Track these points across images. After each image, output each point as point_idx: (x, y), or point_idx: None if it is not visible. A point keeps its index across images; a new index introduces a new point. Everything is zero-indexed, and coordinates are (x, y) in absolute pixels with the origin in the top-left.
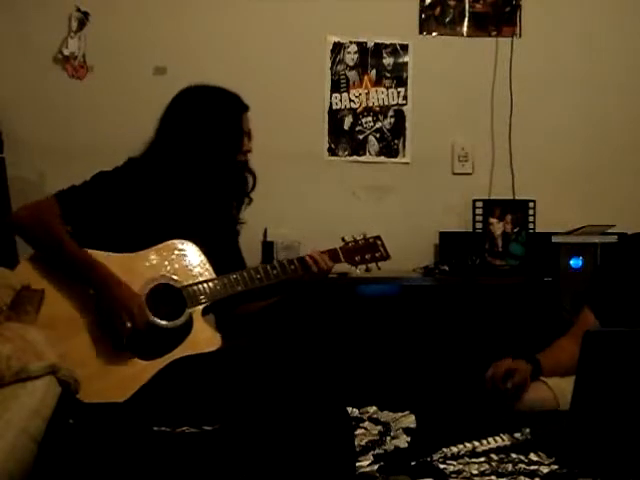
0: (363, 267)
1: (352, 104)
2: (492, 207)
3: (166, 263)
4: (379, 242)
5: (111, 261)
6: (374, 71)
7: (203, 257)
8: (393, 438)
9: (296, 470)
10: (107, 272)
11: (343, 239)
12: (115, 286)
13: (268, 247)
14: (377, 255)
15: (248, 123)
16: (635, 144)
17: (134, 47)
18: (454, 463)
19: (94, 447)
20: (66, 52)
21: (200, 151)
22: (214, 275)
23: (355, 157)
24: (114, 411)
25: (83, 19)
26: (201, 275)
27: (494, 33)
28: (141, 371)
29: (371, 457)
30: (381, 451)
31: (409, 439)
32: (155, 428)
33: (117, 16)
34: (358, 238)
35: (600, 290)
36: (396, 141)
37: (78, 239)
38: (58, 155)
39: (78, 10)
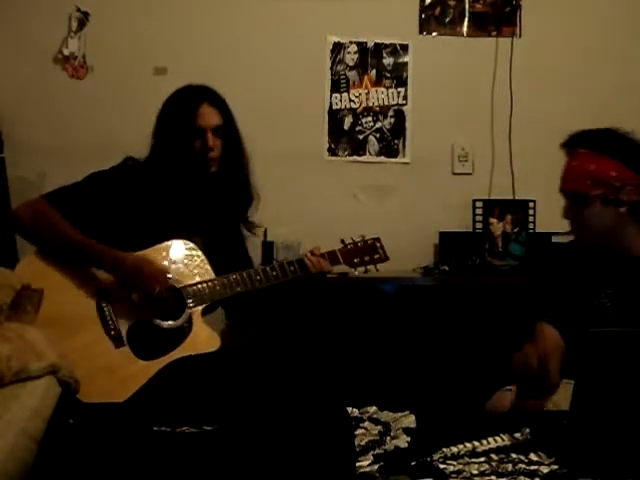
0: (362, 269)
1: (352, 104)
2: (492, 207)
3: (165, 263)
4: (378, 244)
5: None
6: (374, 71)
7: (203, 257)
8: (393, 438)
9: (296, 470)
10: (114, 250)
11: (342, 241)
12: (127, 258)
13: (268, 247)
14: (376, 257)
15: (211, 117)
16: None
17: (134, 47)
18: (454, 463)
19: (94, 447)
20: (66, 52)
21: (164, 150)
22: (214, 275)
23: (355, 157)
24: (114, 411)
25: (83, 19)
26: (201, 275)
27: (494, 33)
28: (141, 371)
29: (371, 457)
30: (381, 451)
31: (409, 439)
32: (155, 428)
33: (117, 16)
34: (357, 240)
35: (550, 303)
36: (396, 141)
37: None
38: (58, 155)
39: (78, 10)
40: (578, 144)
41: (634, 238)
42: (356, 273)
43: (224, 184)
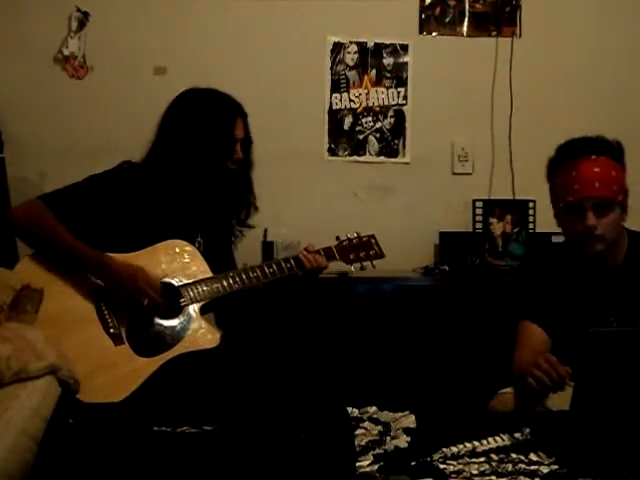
0: (358, 265)
1: (352, 104)
2: (492, 207)
3: (164, 262)
4: (373, 240)
5: None
6: (374, 71)
7: (200, 256)
8: (393, 438)
9: (296, 470)
10: (109, 257)
11: (337, 238)
12: (120, 268)
13: (268, 247)
14: (372, 253)
15: (242, 130)
16: (635, 144)
17: (134, 47)
18: (454, 463)
19: (94, 447)
20: (66, 52)
21: (188, 155)
22: (211, 274)
23: (355, 157)
24: (114, 411)
25: (83, 19)
26: (199, 274)
27: (494, 33)
28: (141, 368)
29: (371, 457)
30: (381, 451)
31: (409, 439)
32: (155, 428)
33: (117, 16)
34: (352, 237)
35: (537, 303)
36: (396, 141)
37: None
38: (58, 155)
39: (78, 10)
40: (599, 151)
41: (623, 247)
42: (352, 269)
43: (236, 183)
